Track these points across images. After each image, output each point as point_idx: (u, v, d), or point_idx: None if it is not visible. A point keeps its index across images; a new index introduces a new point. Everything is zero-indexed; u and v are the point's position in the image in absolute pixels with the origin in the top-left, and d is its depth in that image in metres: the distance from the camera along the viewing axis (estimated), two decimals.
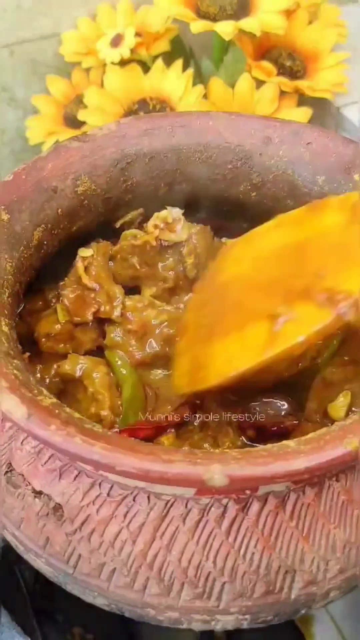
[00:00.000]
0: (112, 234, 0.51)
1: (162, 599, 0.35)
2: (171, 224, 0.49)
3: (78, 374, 0.45)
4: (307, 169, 0.48)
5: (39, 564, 0.38)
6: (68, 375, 0.45)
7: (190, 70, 0.63)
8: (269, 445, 0.32)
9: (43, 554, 0.37)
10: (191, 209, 0.52)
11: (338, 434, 0.32)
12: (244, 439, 0.42)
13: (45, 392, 0.34)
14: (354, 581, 0.37)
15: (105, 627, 0.54)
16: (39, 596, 0.52)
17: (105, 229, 0.50)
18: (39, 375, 0.45)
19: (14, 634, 0.47)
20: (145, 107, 0.63)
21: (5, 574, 0.51)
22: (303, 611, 0.37)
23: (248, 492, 0.33)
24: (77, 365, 0.45)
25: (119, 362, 0.46)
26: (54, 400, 0.34)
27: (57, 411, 0.33)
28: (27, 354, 0.40)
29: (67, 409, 0.33)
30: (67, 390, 0.45)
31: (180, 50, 0.68)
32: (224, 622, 0.36)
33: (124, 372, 0.46)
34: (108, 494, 0.34)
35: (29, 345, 0.46)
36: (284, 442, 0.32)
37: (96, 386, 0.44)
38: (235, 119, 0.50)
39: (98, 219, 0.50)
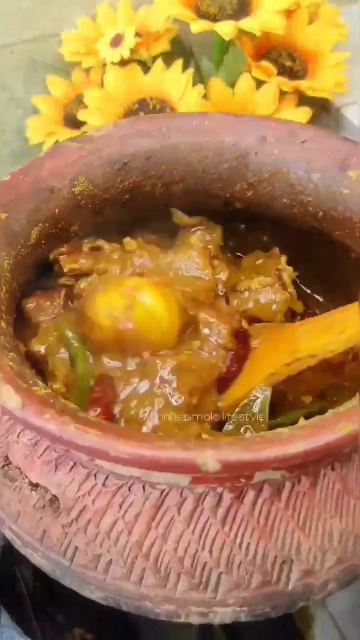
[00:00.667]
0: (110, 235, 0.51)
1: (159, 590, 0.35)
2: None
3: (43, 352, 0.45)
4: (302, 167, 0.48)
5: (37, 558, 0.38)
6: (37, 354, 0.45)
7: (190, 70, 0.63)
8: (262, 432, 0.32)
9: (40, 548, 0.37)
10: (188, 209, 0.52)
11: (331, 420, 0.32)
12: None
13: (40, 383, 0.35)
14: (352, 573, 0.37)
15: (105, 627, 0.53)
16: (39, 596, 0.51)
17: (103, 229, 0.51)
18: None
19: (13, 634, 0.47)
20: (145, 107, 0.63)
21: (5, 574, 0.51)
22: (301, 604, 0.37)
23: (243, 480, 0.33)
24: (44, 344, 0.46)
25: (70, 335, 0.46)
26: (49, 390, 0.34)
27: (51, 400, 0.33)
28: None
29: (62, 399, 0.34)
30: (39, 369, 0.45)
31: (180, 50, 0.68)
32: (221, 615, 0.36)
33: (75, 344, 0.46)
34: (103, 484, 0.34)
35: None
36: (279, 429, 0.32)
37: (56, 364, 0.44)
38: (231, 119, 0.51)
39: (96, 219, 0.50)
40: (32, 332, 0.47)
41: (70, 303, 0.49)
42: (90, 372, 0.44)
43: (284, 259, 0.50)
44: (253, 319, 0.49)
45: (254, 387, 0.43)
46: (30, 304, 0.47)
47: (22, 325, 0.47)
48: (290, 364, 0.41)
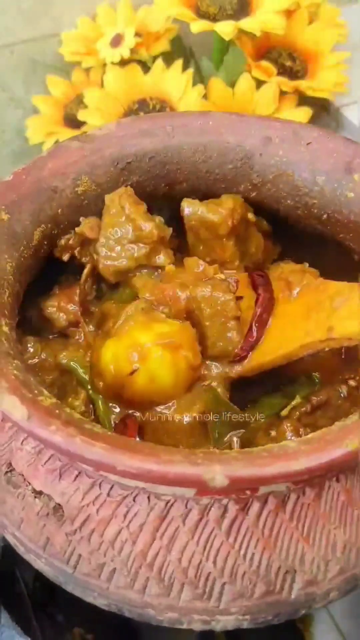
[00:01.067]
0: None
1: (162, 599, 0.35)
2: None
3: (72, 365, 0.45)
4: (307, 169, 0.48)
5: (40, 564, 0.38)
6: (63, 366, 0.45)
7: (190, 70, 0.63)
8: (269, 445, 0.32)
9: (43, 555, 0.37)
10: None
11: (338, 435, 0.32)
12: None
13: (45, 392, 0.34)
14: (354, 582, 0.37)
15: (105, 627, 0.54)
16: (39, 596, 0.52)
17: None
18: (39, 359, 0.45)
19: (13, 634, 0.47)
20: (145, 107, 0.63)
21: (5, 574, 0.51)
22: (303, 611, 0.37)
23: (248, 492, 0.33)
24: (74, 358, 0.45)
25: (84, 377, 0.45)
26: (54, 400, 0.34)
27: (57, 411, 0.33)
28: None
29: (67, 409, 0.33)
30: (63, 381, 0.45)
31: (180, 50, 0.68)
32: (224, 622, 0.36)
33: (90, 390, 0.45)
34: (108, 494, 0.34)
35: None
36: (285, 442, 0.32)
37: (80, 382, 0.44)
38: (235, 119, 0.50)
39: (98, 219, 0.49)
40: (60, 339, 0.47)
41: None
42: (110, 413, 0.43)
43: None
44: None
45: (287, 355, 0.42)
46: (51, 308, 0.47)
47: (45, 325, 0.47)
48: (325, 341, 0.41)
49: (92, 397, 0.44)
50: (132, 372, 0.41)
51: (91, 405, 0.44)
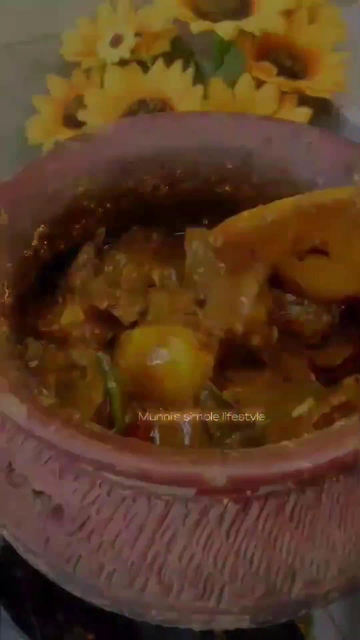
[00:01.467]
0: (113, 235, 0.51)
1: (162, 599, 0.35)
2: None
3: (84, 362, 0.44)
4: (308, 169, 0.48)
5: (39, 564, 0.38)
6: (74, 362, 0.44)
7: (190, 70, 0.63)
8: (269, 445, 0.32)
9: (43, 555, 0.37)
10: (192, 211, 0.52)
11: (339, 435, 0.32)
12: None
13: (45, 392, 0.34)
14: (354, 582, 0.37)
15: (106, 626, 0.54)
16: (39, 596, 0.52)
17: (106, 229, 0.50)
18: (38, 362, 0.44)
19: (13, 634, 0.47)
20: (145, 107, 0.63)
21: (5, 574, 0.51)
22: (303, 611, 0.37)
23: (248, 492, 0.33)
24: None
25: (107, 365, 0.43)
26: (54, 400, 0.34)
27: (57, 411, 0.33)
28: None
29: (68, 409, 0.34)
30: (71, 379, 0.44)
31: (180, 50, 0.68)
32: (224, 622, 0.36)
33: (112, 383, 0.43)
34: (108, 494, 0.34)
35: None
36: (285, 442, 0.32)
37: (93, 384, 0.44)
38: (236, 119, 0.51)
39: (98, 219, 0.50)
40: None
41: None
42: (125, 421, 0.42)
43: None
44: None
45: None
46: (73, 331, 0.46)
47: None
48: None
49: (111, 392, 0.42)
50: (153, 361, 0.41)
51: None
